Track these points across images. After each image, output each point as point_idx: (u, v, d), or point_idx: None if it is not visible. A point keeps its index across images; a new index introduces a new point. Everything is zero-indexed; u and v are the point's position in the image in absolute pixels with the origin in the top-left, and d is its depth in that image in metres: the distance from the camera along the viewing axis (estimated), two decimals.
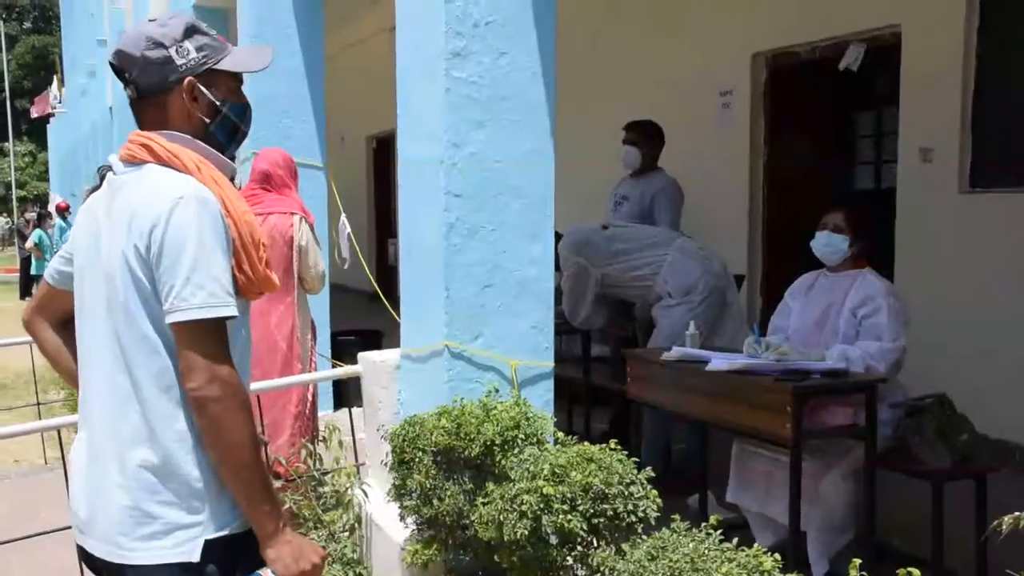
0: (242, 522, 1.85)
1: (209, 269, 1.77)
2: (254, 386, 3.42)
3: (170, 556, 1.79)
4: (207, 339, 1.77)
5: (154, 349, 1.81)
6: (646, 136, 5.64)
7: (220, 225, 1.83)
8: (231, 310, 1.79)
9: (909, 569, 2.07)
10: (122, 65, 1.91)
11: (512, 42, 3.30)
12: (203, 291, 1.76)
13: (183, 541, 1.80)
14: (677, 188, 5.61)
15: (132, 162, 1.90)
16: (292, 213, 4.52)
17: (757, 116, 7.11)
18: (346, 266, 5.53)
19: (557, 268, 3.63)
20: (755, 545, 2.36)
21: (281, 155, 4.70)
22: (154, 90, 1.91)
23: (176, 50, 1.91)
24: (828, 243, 3.91)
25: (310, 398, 4.64)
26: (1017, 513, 2.03)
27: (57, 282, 2.05)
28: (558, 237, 5.22)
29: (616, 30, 8.41)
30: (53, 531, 3.84)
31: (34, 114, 29.31)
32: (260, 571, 1.85)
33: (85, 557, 1.94)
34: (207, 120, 1.95)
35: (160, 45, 1.90)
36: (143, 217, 1.80)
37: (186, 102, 1.93)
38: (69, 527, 3.82)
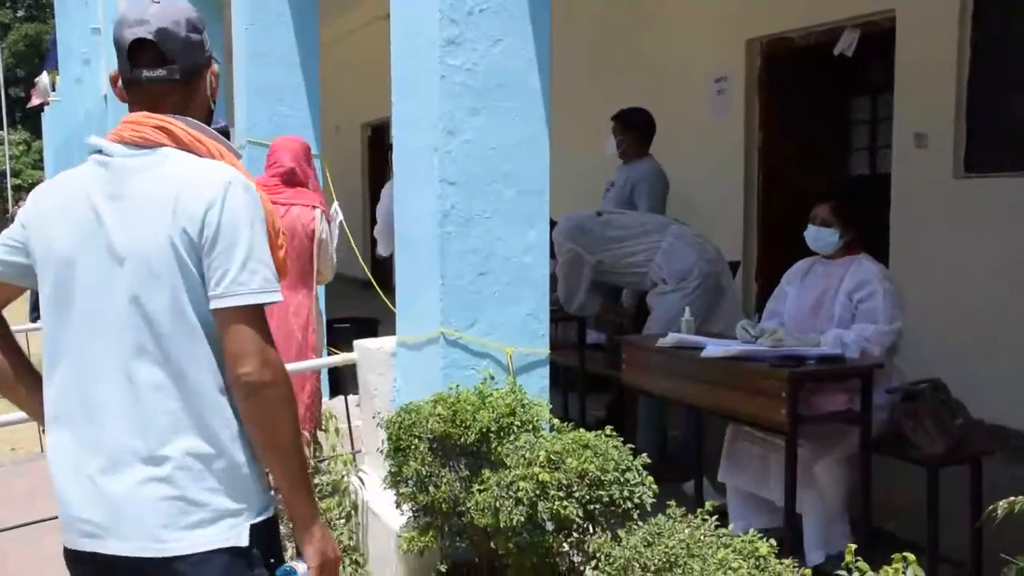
0: (273, 507, 1.87)
1: (261, 254, 1.77)
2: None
3: (220, 541, 1.77)
4: (258, 324, 1.76)
5: (198, 336, 1.77)
6: (626, 125, 5.67)
7: (262, 211, 1.83)
8: (280, 295, 1.80)
9: (904, 554, 2.08)
10: (164, 44, 1.82)
11: (507, 29, 3.29)
12: (258, 276, 1.75)
13: (232, 527, 1.79)
14: (659, 176, 5.60)
15: (144, 145, 1.81)
16: (313, 207, 4.53)
17: (752, 102, 7.10)
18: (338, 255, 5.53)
19: (552, 255, 3.63)
20: (751, 530, 2.37)
21: (302, 147, 4.70)
22: (191, 73, 1.87)
23: (206, 34, 1.90)
24: (817, 237, 3.92)
25: (312, 387, 4.66)
26: (1012, 498, 2.04)
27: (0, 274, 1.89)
28: (553, 224, 5.23)
29: (610, 16, 8.38)
30: (50, 519, 3.85)
31: (33, 102, 29.20)
32: (292, 563, 1.84)
33: (77, 558, 1.84)
34: (212, 108, 1.95)
35: (198, 29, 1.87)
36: (193, 200, 1.75)
37: (208, 88, 1.91)
38: None
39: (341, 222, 4.90)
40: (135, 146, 1.81)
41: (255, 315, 1.75)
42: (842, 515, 3.72)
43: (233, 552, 1.78)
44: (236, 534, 1.79)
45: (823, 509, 3.70)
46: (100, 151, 1.84)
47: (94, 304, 1.79)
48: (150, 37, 1.81)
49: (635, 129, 5.64)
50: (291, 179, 4.55)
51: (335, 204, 5.43)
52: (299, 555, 1.85)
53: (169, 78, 1.84)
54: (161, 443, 1.76)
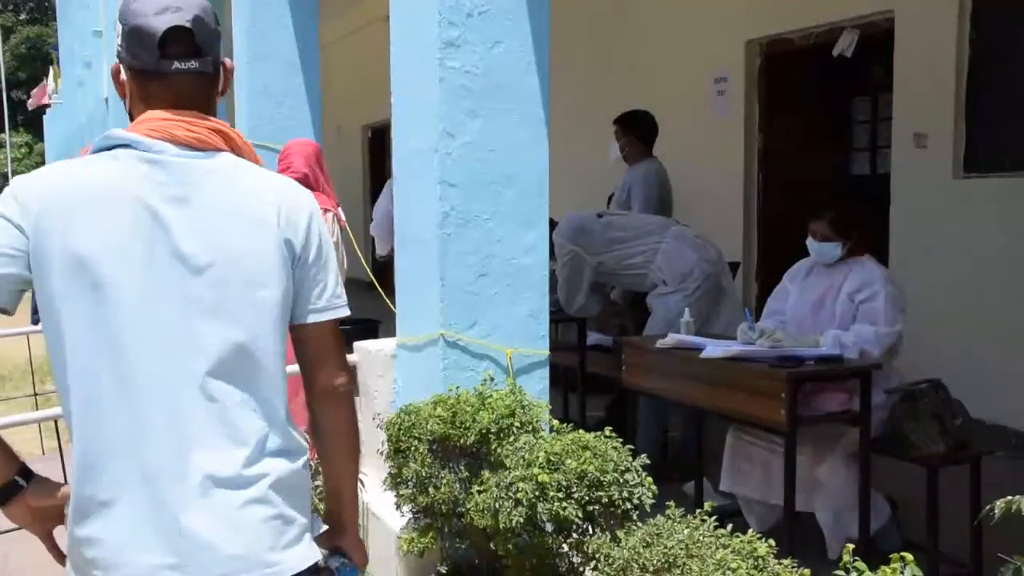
0: None
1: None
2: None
3: (310, 557, 1.69)
4: (342, 336, 1.78)
5: (281, 348, 1.69)
6: (627, 128, 5.69)
7: None
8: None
9: (903, 554, 2.08)
10: (199, 34, 1.65)
11: (506, 31, 3.30)
12: (343, 290, 1.78)
13: (311, 541, 1.72)
14: (655, 176, 5.60)
15: (200, 147, 1.64)
16: (326, 210, 4.51)
17: (752, 103, 7.11)
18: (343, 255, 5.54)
19: (552, 256, 3.63)
20: (749, 531, 2.37)
21: (315, 151, 4.68)
22: (217, 67, 1.73)
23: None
24: (821, 252, 3.93)
25: None
26: (1010, 497, 2.04)
27: None
28: (553, 225, 5.22)
29: (610, 17, 8.39)
30: None
31: (31, 106, 29.23)
32: (336, 559, 1.84)
33: None
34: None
35: (217, 21, 1.73)
36: (295, 211, 1.69)
37: (222, 84, 1.78)
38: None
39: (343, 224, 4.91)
40: (189, 147, 1.63)
41: (339, 328, 1.78)
42: (872, 495, 3.67)
43: (313, 570, 1.70)
44: (315, 549, 1.72)
45: (835, 505, 3.70)
46: (128, 146, 1.62)
47: (149, 318, 1.56)
48: (187, 25, 1.63)
49: (636, 131, 5.65)
50: (304, 184, 4.55)
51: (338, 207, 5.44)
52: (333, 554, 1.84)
53: (202, 70, 1.68)
54: (252, 462, 1.61)
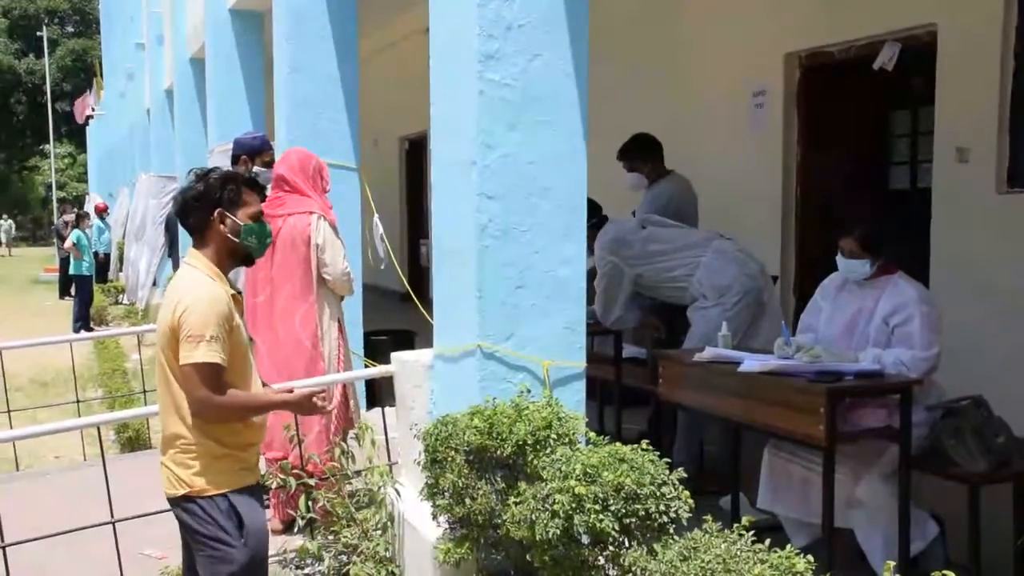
0: None
1: None
2: (293, 384, 3.47)
3: None
4: None
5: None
6: (633, 158, 5.63)
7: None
8: None
9: (945, 572, 2.05)
10: None
11: (545, 44, 3.32)
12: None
13: None
14: (675, 192, 5.55)
15: None
16: (310, 212, 4.54)
17: (790, 116, 7.06)
18: (382, 266, 5.57)
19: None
20: (788, 546, 2.35)
21: (298, 158, 4.71)
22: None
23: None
24: (849, 268, 3.87)
25: (339, 396, 4.66)
26: None
27: None
28: (604, 220, 5.15)
29: (648, 29, 8.39)
30: (93, 526, 3.91)
31: (79, 118, 29.73)
32: None
33: None
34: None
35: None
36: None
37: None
38: (109, 522, 3.89)
39: (382, 235, 4.95)
40: None
41: None
42: (914, 512, 3.61)
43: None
44: None
45: (875, 524, 3.64)
46: None
47: None
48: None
49: (639, 154, 5.61)
50: (281, 184, 4.61)
51: (375, 218, 5.48)
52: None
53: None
54: None
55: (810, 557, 2.30)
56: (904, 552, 3.46)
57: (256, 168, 4.93)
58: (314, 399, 2.87)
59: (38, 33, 43.71)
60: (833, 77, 6.89)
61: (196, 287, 2.75)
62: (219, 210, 2.83)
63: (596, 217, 4.98)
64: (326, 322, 4.61)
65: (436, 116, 3.62)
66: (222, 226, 2.83)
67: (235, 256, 2.90)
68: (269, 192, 4.45)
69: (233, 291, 2.87)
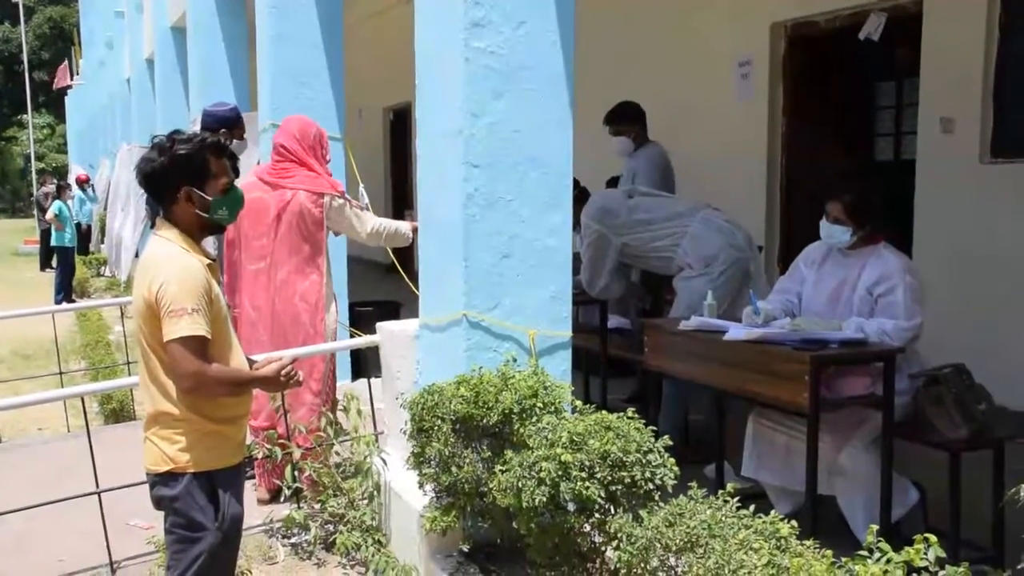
0: None
1: None
2: (283, 353, 3.47)
3: None
4: None
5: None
6: (620, 122, 5.73)
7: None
8: None
9: (926, 535, 2.08)
10: None
11: (531, 12, 3.29)
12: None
13: None
14: (658, 161, 5.64)
15: None
16: (322, 194, 4.50)
17: (776, 86, 7.07)
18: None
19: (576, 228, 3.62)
20: (772, 512, 2.38)
21: (298, 126, 4.64)
22: None
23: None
24: (831, 234, 3.86)
25: (331, 372, 4.66)
26: None
27: None
28: (586, 196, 5.19)
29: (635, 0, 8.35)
30: (75, 497, 3.91)
31: (56, 86, 29.37)
32: None
33: None
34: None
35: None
36: None
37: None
38: (94, 492, 3.88)
39: (367, 205, 4.92)
40: None
41: None
42: (896, 479, 3.65)
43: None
44: None
45: (859, 491, 3.68)
46: None
47: None
48: None
49: (631, 123, 5.67)
50: (283, 155, 4.55)
51: (361, 188, 5.45)
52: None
53: None
54: None
55: (794, 522, 2.32)
56: (886, 518, 3.49)
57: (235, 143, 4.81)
58: (280, 375, 2.75)
59: (13, 0, 43.07)
60: (819, 47, 6.89)
61: (170, 260, 2.65)
62: (185, 188, 2.70)
63: (577, 189, 5.02)
64: (326, 298, 4.60)
65: (421, 85, 3.60)
66: (189, 203, 2.72)
67: (206, 229, 2.80)
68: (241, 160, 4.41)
69: (208, 260, 2.75)
